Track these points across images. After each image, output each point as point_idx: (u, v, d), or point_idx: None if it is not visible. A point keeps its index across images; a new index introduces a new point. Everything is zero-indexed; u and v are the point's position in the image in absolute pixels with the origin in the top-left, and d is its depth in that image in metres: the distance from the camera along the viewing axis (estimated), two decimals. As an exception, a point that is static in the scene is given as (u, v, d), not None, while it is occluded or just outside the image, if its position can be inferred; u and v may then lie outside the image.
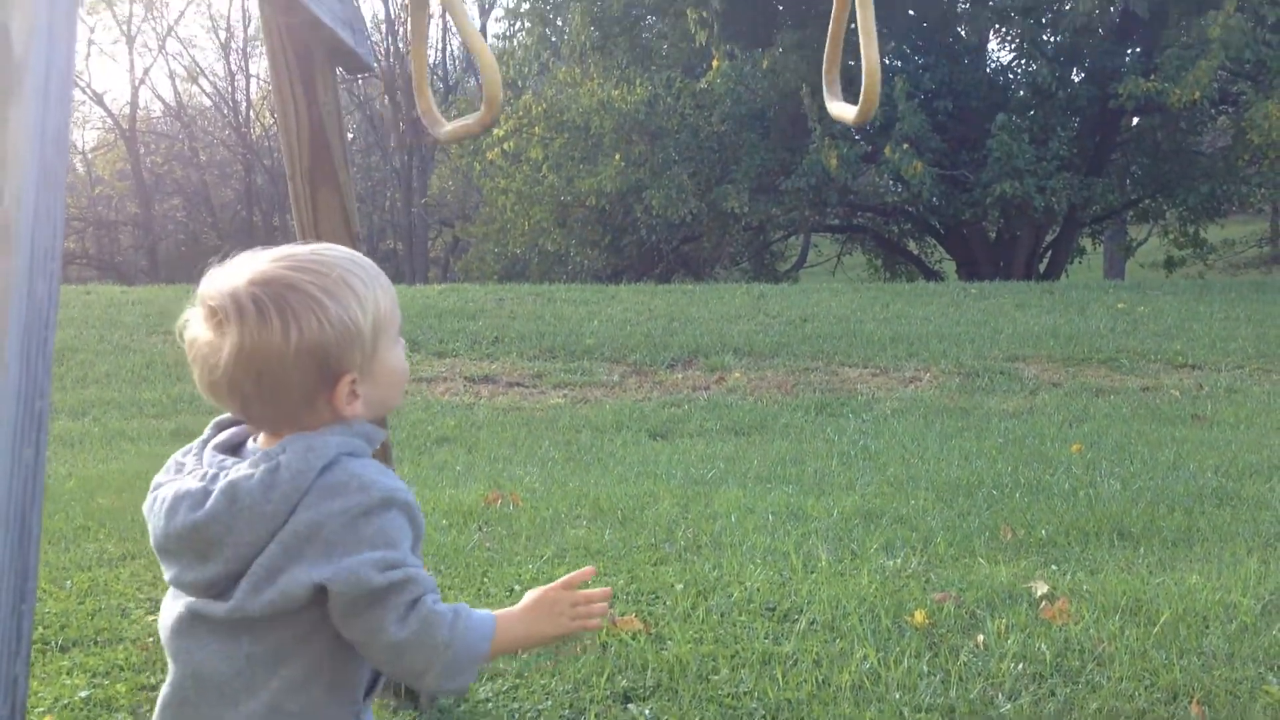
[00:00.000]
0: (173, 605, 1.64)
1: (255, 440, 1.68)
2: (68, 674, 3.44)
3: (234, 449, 1.68)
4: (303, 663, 1.59)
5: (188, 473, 1.64)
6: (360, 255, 1.69)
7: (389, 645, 1.56)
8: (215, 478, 1.58)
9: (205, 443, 1.71)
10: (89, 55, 40.54)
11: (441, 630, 1.57)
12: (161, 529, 1.60)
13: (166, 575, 1.64)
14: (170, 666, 1.65)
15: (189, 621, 1.60)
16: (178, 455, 1.70)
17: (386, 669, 1.61)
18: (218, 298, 1.58)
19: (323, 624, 1.58)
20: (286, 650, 1.59)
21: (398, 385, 1.70)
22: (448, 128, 2.50)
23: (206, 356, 1.59)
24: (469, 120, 2.40)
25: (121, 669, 3.48)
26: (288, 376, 1.56)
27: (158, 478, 1.68)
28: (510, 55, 27.12)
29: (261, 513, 1.53)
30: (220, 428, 1.73)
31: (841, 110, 2.51)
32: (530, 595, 1.73)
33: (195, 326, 1.62)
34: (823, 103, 2.56)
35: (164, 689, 1.65)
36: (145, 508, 1.66)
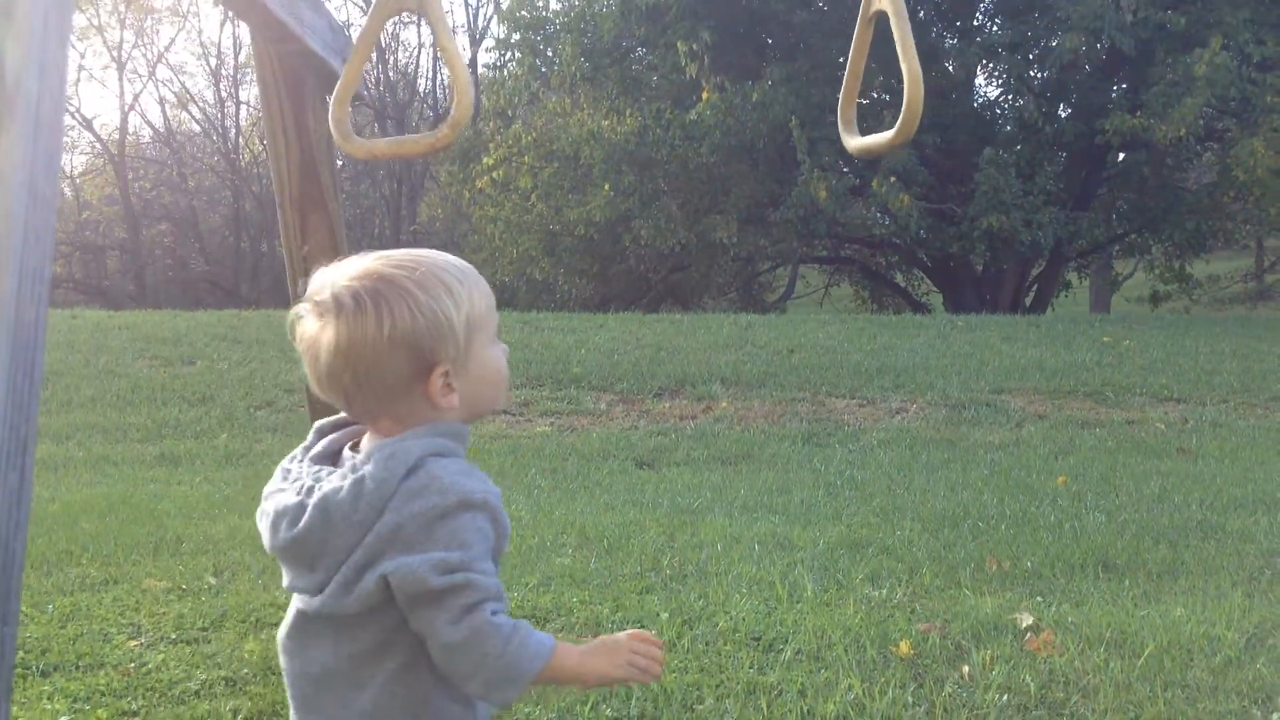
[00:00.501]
0: (290, 608, 1.73)
1: (354, 446, 1.73)
2: (48, 699, 3.42)
3: (333, 457, 1.73)
4: (404, 653, 1.64)
5: (291, 481, 1.69)
6: (458, 258, 1.75)
7: (440, 645, 1.60)
8: (310, 490, 1.64)
9: (307, 449, 1.77)
10: (79, 80, 40.55)
11: (494, 641, 1.60)
12: (269, 541, 1.69)
13: (284, 581, 1.71)
14: (285, 667, 1.74)
15: (300, 622, 1.69)
16: (285, 461, 1.76)
17: (440, 667, 1.64)
18: (320, 293, 1.66)
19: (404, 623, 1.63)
20: (388, 643, 1.64)
21: (496, 385, 1.75)
22: (369, 144, 2.36)
23: (311, 350, 1.66)
24: (417, 137, 2.29)
25: (103, 694, 3.46)
26: (382, 366, 1.63)
27: (267, 486, 1.74)
28: (500, 85, 27.20)
29: (351, 522, 1.59)
30: (322, 433, 1.79)
31: (870, 140, 2.36)
32: (596, 640, 1.75)
33: (303, 323, 1.69)
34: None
35: (288, 689, 1.75)
36: (257, 516, 1.73)
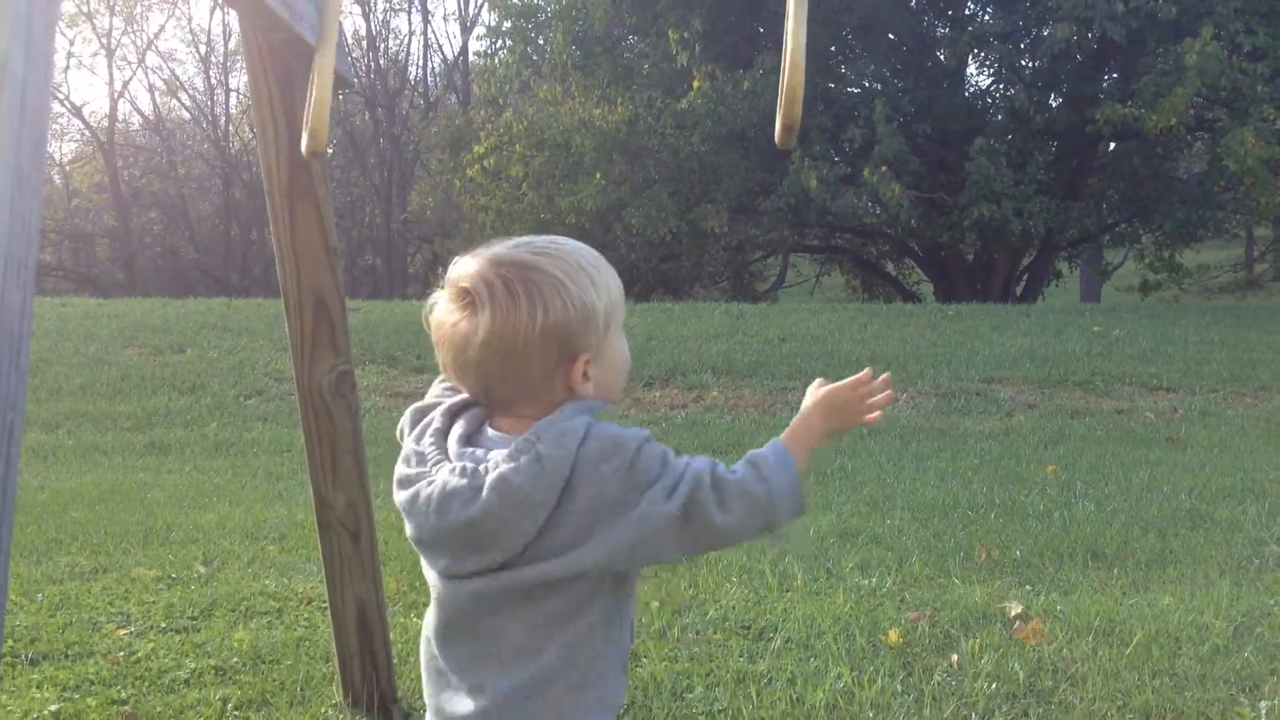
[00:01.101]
0: (441, 596, 1.72)
1: (491, 426, 1.73)
2: (37, 687, 3.41)
3: (470, 439, 1.73)
4: (585, 621, 1.67)
5: (431, 464, 1.70)
6: (587, 246, 1.77)
7: (724, 535, 1.65)
8: (475, 473, 1.63)
9: (442, 433, 1.75)
10: (68, 68, 40.36)
11: (754, 490, 1.64)
12: (433, 525, 1.66)
13: (436, 567, 1.71)
14: (437, 653, 1.74)
15: (468, 604, 1.68)
16: (414, 445, 1.76)
17: (732, 545, 1.69)
18: (469, 280, 1.66)
19: (601, 585, 1.66)
20: (570, 613, 1.66)
21: (622, 373, 1.79)
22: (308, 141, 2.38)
23: (453, 337, 1.67)
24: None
25: (92, 683, 3.45)
26: (531, 355, 1.64)
27: (404, 471, 1.74)
28: (491, 73, 27.12)
29: (534, 501, 1.58)
30: (452, 415, 1.78)
31: (778, 130, 2.31)
32: (815, 396, 1.79)
33: (443, 309, 1.70)
34: (803, 125, 2.41)
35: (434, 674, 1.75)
36: (403, 504, 1.71)
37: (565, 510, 1.59)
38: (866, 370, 1.78)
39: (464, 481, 1.62)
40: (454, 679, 1.71)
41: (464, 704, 1.69)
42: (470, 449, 1.69)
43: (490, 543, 1.61)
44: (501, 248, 1.70)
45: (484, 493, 1.60)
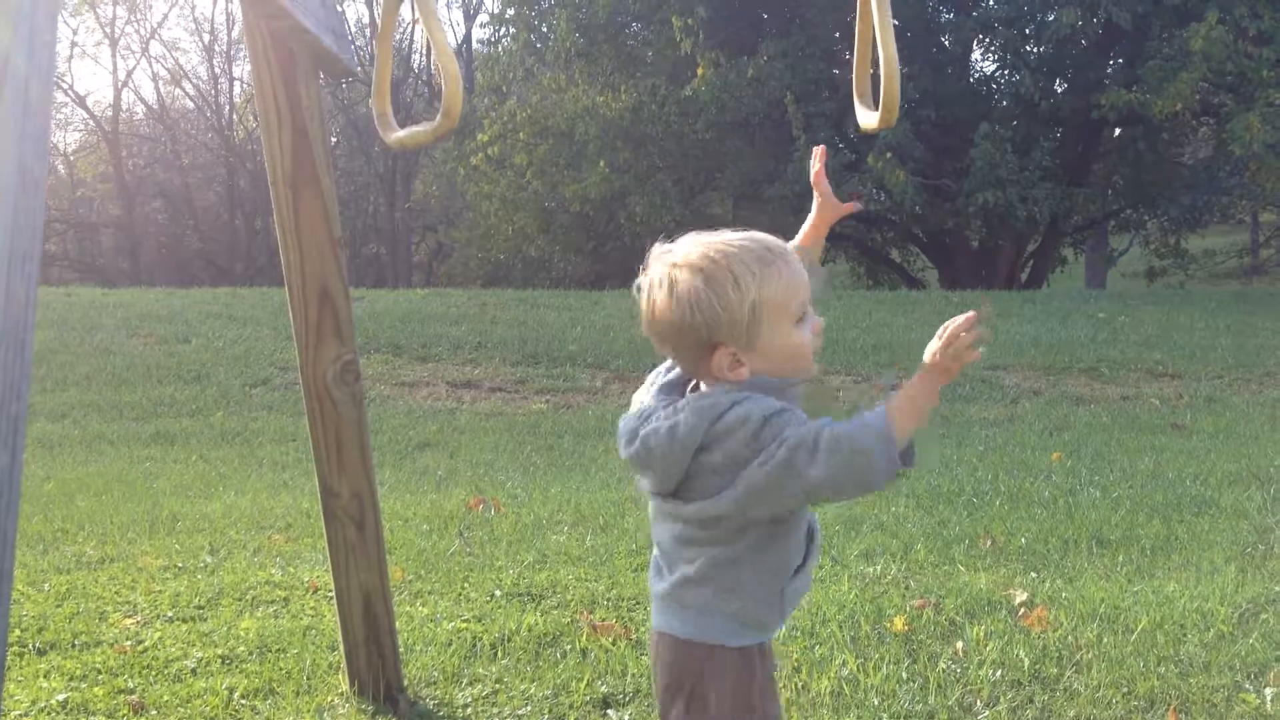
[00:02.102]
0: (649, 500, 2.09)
1: (694, 388, 2.03)
2: (45, 677, 3.43)
3: (682, 386, 2.05)
4: (733, 548, 1.98)
5: (636, 403, 2.07)
6: (769, 243, 2.00)
7: (818, 487, 1.86)
8: (646, 419, 1.98)
9: (651, 382, 2.11)
10: (71, 57, 40.39)
11: (843, 448, 1.84)
12: (620, 451, 2.04)
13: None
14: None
15: (653, 510, 2.06)
16: (653, 374, 2.13)
17: (844, 498, 1.94)
18: (651, 269, 1.99)
19: (746, 523, 1.95)
20: (718, 540, 1.98)
21: (792, 361, 1.99)
22: (398, 134, 2.45)
23: (641, 316, 2.01)
24: (423, 128, 2.35)
25: (99, 672, 3.46)
26: (680, 342, 1.96)
27: (635, 395, 2.11)
28: (495, 61, 27.08)
29: (669, 458, 1.92)
30: (669, 369, 2.11)
31: (866, 118, 2.38)
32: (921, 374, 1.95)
33: (637, 289, 2.01)
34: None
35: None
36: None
37: (702, 466, 1.90)
38: (972, 313, 1.89)
39: (633, 425, 2.00)
40: (655, 564, 2.11)
41: (654, 583, 2.09)
42: (664, 398, 2.02)
43: (648, 476, 1.98)
44: (687, 241, 1.98)
45: (636, 442, 1.97)
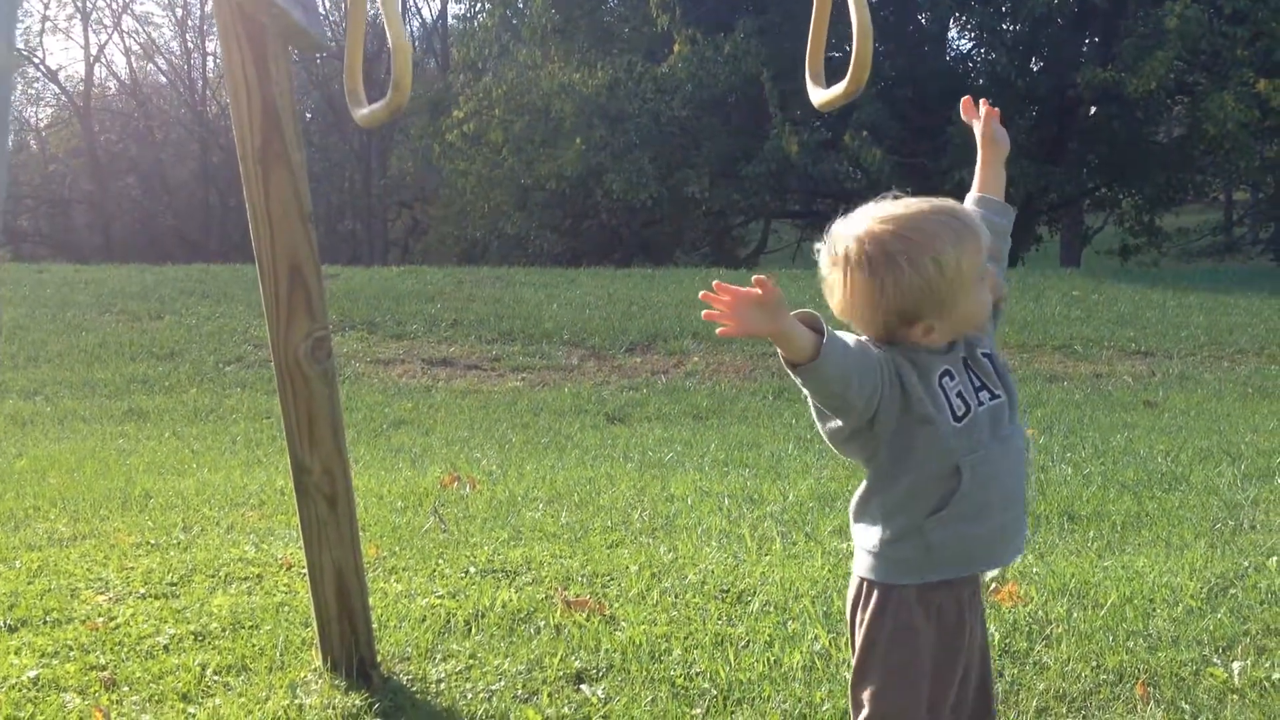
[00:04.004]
0: None
1: None
2: (15, 653, 3.41)
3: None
4: (866, 478, 2.19)
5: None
6: (957, 213, 2.07)
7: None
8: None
9: None
10: (43, 31, 39.97)
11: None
12: None
13: None
14: None
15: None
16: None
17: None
18: (839, 243, 2.05)
19: (876, 453, 2.12)
20: (864, 463, 2.17)
21: (973, 320, 2.12)
22: (362, 111, 2.48)
23: (826, 286, 2.09)
24: (379, 105, 2.39)
25: (70, 649, 3.45)
26: (875, 319, 2.05)
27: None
28: (471, 37, 26.95)
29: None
30: None
31: (829, 92, 2.36)
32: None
33: (821, 260, 2.10)
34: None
35: None
36: None
37: None
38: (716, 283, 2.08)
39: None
40: None
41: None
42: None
43: None
44: (870, 211, 2.06)
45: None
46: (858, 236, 2.02)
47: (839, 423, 2.11)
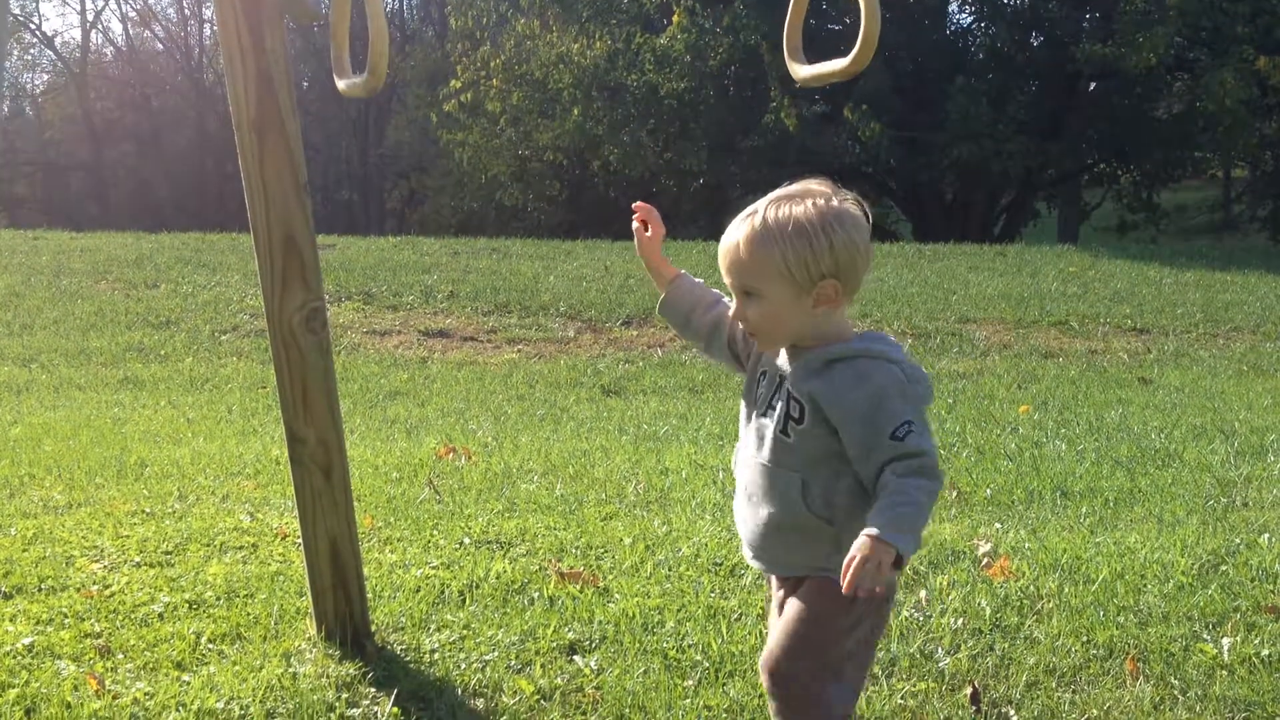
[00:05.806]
0: None
1: None
2: (10, 621, 3.42)
3: None
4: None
5: None
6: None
7: None
8: None
9: None
10: (39, -3, 39.65)
11: None
12: None
13: None
14: None
15: None
16: None
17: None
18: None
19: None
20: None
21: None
22: (344, 83, 2.54)
23: None
24: (357, 81, 2.48)
25: (65, 616, 3.46)
26: None
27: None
28: (469, 6, 26.81)
29: None
30: None
31: (821, 69, 2.28)
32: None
33: None
34: (783, 62, 2.41)
35: None
36: None
37: None
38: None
39: None
40: None
41: None
42: None
43: None
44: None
45: None
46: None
47: None
